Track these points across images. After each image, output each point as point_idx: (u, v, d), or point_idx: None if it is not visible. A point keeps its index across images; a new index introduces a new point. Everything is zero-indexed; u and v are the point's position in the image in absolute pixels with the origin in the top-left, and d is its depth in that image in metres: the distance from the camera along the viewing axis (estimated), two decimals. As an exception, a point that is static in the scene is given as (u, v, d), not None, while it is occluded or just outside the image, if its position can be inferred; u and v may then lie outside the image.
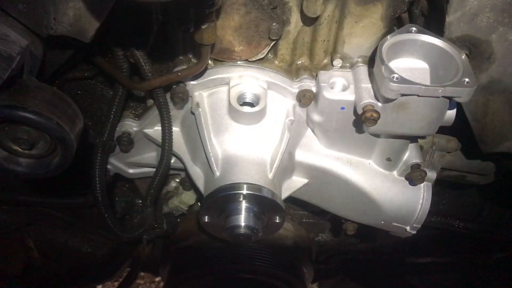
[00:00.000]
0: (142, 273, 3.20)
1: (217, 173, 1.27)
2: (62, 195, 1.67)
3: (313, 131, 1.37)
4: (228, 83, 1.29)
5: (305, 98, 1.29)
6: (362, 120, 1.15)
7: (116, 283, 2.01)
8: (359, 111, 1.17)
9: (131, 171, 1.58)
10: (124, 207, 1.80)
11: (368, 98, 1.17)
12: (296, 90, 1.30)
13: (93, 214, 1.60)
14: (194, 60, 1.31)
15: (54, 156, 1.13)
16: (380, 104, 1.16)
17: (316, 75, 1.29)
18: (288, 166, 1.35)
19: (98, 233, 1.85)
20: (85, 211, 1.79)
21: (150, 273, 2.99)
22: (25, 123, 1.04)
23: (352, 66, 1.28)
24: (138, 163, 1.55)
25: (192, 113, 1.31)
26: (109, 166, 1.54)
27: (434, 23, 1.22)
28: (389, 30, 1.23)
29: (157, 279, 3.44)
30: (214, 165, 1.27)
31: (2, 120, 1.04)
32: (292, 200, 1.50)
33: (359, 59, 1.28)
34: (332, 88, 1.25)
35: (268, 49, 1.28)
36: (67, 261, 1.95)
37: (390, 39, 1.13)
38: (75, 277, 1.91)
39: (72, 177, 1.42)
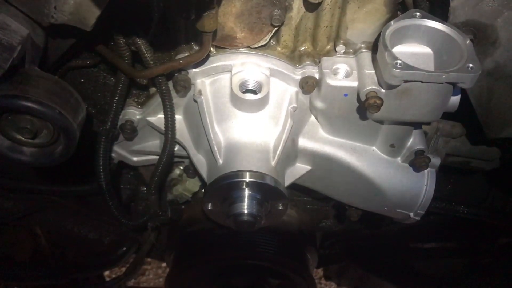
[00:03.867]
0: (149, 259, 3.24)
1: (220, 161, 1.27)
2: (67, 183, 1.68)
3: (316, 118, 1.36)
4: (230, 71, 1.29)
5: (308, 85, 1.28)
6: (365, 106, 1.14)
7: (124, 269, 2.04)
8: (362, 98, 1.16)
9: (135, 159, 1.58)
10: (129, 195, 1.81)
11: (371, 85, 1.16)
12: (299, 77, 1.29)
13: (99, 201, 1.62)
14: (196, 48, 1.30)
15: (57, 145, 1.14)
16: (383, 91, 1.15)
17: (319, 62, 1.28)
18: (291, 153, 1.35)
19: (104, 220, 1.87)
20: (91, 199, 1.81)
21: (157, 259, 3.02)
22: (28, 112, 1.04)
23: (356, 52, 1.27)
24: (142, 151, 1.55)
25: (195, 101, 1.31)
26: (113, 154, 1.54)
27: (439, 8, 1.20)
28: (393, 15, 1.21)
29: (164, 264, 3.49)
30: (217, 153, 1.27)
31: (4, 109, 1.05)
32: (295, 187, 1.51)
33: (363, 45, 1.26)
34: (335, 74, 1.24)
35: (270, 36, 1.27)
36: (74, 248, 1.98)
37: (394, 25, 1.12)
38: (83, 263, 1.94)
39: (77, 165, 1.43)
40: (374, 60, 1.21)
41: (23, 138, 1.12)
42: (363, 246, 2.18)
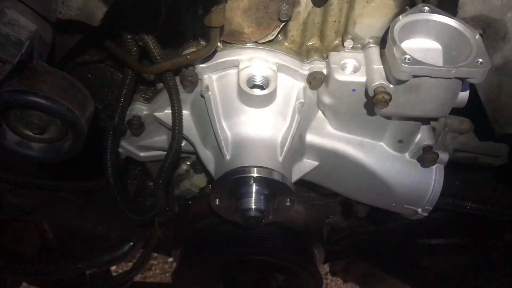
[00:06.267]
0: (156, 254, 3.25)
1: (228, 157, 1.27)
2: (75, 178, 1.69)
3: (323, 113, 1.36)
4: (237, 66, 1.29)
5: (316, 80, 1.28)
6: (373, 102, 1.14)
7: (130, 264, 2.04)
8: (371, 93, 1.16)
9: (142, 154, 1.58)
10: (136, 190, 1.81)
11: (379, 80, 1.16)
12: (307, 72, 1.29)
13: (106, 196, 1.62)
14: (203, 43, 1.30)
15: (65, 141, 1.14)
16: (391, 86, 1.14)
17: (327, 57, 1.28)
18: (298, 149, 1.35)
19: (111, 216, 1.87)
20: (98, 194, 1.82)
21: (163, 254, 3.03)
22: (36, 108, 1.04)
23: (364, 47, 1.26)
24: (149, 147, 1.56)
25: (202, 96, 1.31)
26: (120, 150, 1.55)
27: (448, 2, 1.19)
28: (401, 10, 1.21)
29: (170, 259, 3.50)
30: (224, 149, 1.27)
31: (13, 105, 1.05)
32: (303, 182, 1.50)
33: (371, 40, 1.26)
34: (343, 69, 1.24)
35: (277, 31, 1.27)
36: (81, 243, 1.98)
37: (402, 19, 1.11)
38: (90, 258, 1.94)
39: (85, 160, 1.44)
40: (382, 55, 1.20)
41: (32, 134, 1.12)
42: (369, 242, 2.18)
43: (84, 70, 1.50)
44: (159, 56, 1.27)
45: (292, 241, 1.66)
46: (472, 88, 1.24)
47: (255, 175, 1.21)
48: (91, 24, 1.07)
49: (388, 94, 1.12)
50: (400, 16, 1.11)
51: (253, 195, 1.23)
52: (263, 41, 1.28)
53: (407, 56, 1.04)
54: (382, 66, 1.18)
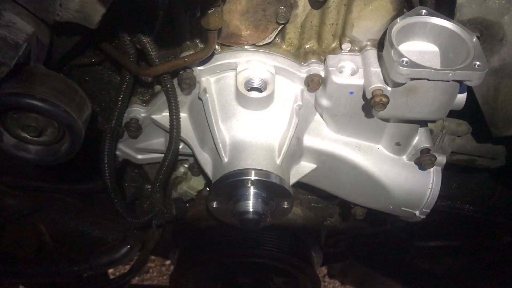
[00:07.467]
0: (153, 257, 3.24)
1: (225, 159, 1.27)
2: (72, 181, 1.68)
3: (321, 116, 1.36)
4: (235, 68, 1.28)
5: (314, 83, 1.28)
6: (371, 104, 1.13)
7: (128, 266, 2.04)
8: (368, 96, 1.16)
9: (139, 157, 1.58)
10: (134, 193, 1.81)
11: (377, 82, 1.16)
12: (304, 75, 1.29)
13: (103, 199, 1.61)
14: (201, 45, 1.30)
15: (62, 143, 1.14)
16: (389, 89, 1.14)
17: (325, 59, 1.28)
18: (296, 151, 1.35)
19: (108, 218, 1.87)
20: (95, 196, 1.81)
21: (161, 257, 3.03)
22: (33, 110, 1.04)
23: (361, 49, 1.27)
24: (147, 149, 1.55)
25: (200, 98, 1.31)
26: (118, 152, 1.55)
27: (445, 5, 1.19)
28: (399, 13, 1.21)
29: (168, 262, 3.49)
30: (222, 151, 1.27)
31: (10, 107, 1.05)
32: (300, 185, 1.50)
33: (368, 43, 1.26)
34: (340, 72, 1.24)
35: (275, 33, 1.26)
36: (78, 245, 1.98)
37: (400, 22, 1.11)
38: (87, 260, 1.94)
39: (82, 163, 1.43)
40: (380, 58, 1.20)
41: (29, 136, 1.12)
42: (367, 244, 2.18)
43: (81, 73, 1.50)
44: (157, 59, 1.27)
45: (290, 243, 1.66)
46: (470, 90, 1.24)
47: (253, 177, 1.21)
48: (89, 27, 1.07)
49: (386, 96, 1.12)
50: (398, 19, 1.12)
51: (251, 197, 1.23)
52: (261, 43, 1.28)
53: (405, 59, 1.04)
54: (379, 69, 1.18)
